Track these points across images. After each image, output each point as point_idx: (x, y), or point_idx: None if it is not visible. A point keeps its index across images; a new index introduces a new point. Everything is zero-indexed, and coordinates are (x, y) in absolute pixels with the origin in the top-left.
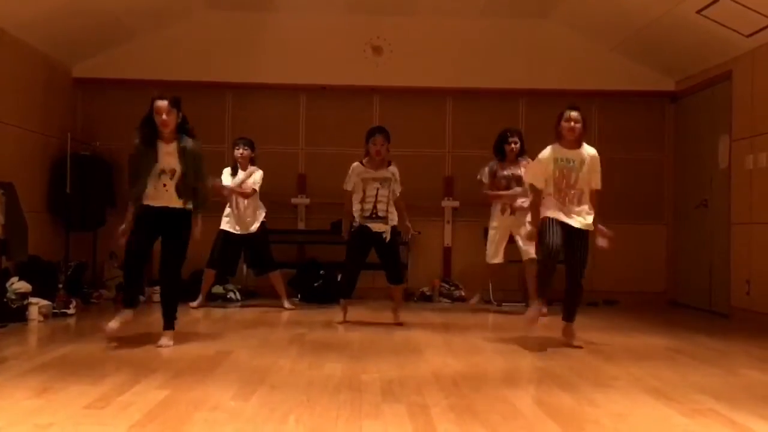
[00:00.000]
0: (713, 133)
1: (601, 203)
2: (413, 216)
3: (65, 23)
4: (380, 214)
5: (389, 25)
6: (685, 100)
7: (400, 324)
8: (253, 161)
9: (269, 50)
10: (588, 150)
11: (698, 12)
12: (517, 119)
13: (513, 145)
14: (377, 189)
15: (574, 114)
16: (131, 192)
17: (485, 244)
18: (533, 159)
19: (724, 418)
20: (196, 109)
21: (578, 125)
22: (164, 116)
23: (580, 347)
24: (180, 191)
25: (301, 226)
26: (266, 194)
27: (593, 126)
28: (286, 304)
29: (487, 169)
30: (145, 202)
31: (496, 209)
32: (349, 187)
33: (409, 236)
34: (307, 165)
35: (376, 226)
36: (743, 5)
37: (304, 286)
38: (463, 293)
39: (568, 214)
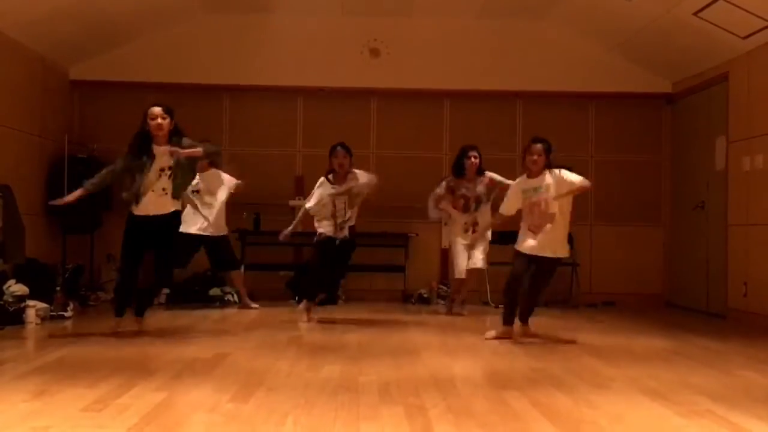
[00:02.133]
0: (710, 134)
1: (598, 205)
2: (411, 218)
3: (62, 25)
4: (348, 224)
5: (386, 27)
6: (682, 102)
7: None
8: (214, 164)
9: (266, 52)
10: (552, 173)
11: (695, 14)
12: (514, 121)
13: (473, 159)
14: (344, 203)
15: (536, 147)
16: (126, 192)
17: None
18: (505, 174)
19: (721, 418)
20: (193, 111)
21: (540, 158)
22: (159, 120)
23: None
24: (175, 189)
25: (299, 228)
26: (263, 196)
27: (590, 128)
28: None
29: (444, 183)
30: (137, 213)
31: (458, 227)
32: (312, 203)
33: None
34: (304, 167)
35: (341, 234)
36: (740, 7)
37: (300, 288)
38: None
39: (542, 247)
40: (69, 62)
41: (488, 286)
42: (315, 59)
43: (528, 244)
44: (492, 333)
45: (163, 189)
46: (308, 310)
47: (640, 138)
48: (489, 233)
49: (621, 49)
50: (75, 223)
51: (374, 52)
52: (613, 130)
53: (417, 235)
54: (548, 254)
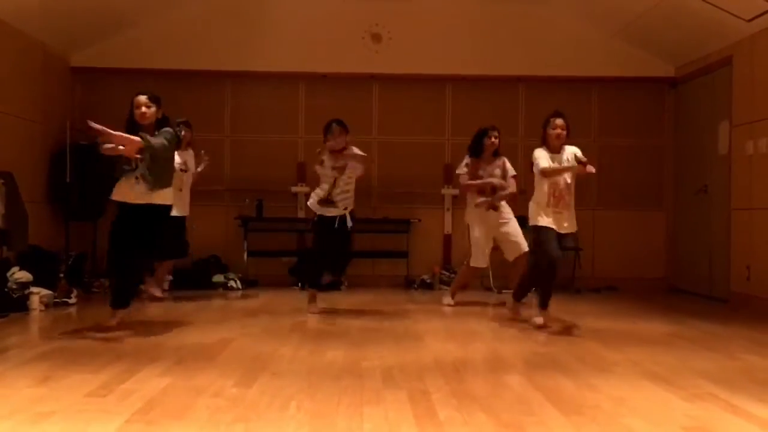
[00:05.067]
0: (713, 118)
1: (600, 189)
2: (413, 203)
3: (62, 12)
4: (343, 203)
5: (388, 11)
6: (685, 86)
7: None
8: (191, 144)
9: (268, 38)
10: (569, 150)
11: None
12: (516, 106)
13: (494, 139)
14: (335, 179)
15: (559, 121)
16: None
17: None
18: (507, 158)
19: (723, 401)
20: (195, 98)
21: (563, 132)
22: (143, 109)
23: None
24: (147, 177)
25: (301, 214)
26: (266, 182)
27: (593, 112)
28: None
29: (463, 164)
30: (119, 199)
31: (476, 211)
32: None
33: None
34: (306, 153)
35: (332, 212)
36: None
37: (304, 274)
38: None
39: (559, 221)
40: (70, 49)
41: (490, 272)
42: (316, 45)
43: (548, 220)
44: (540, 320)
45: (136, 178)
46: (313, 298)
47: (644, 122)
48: (510, 212)
49: (624, 33)
50: (78, 211)
51: (376, 38)
52: (616, 114)
53: (419, 220)
54: (568, 230)
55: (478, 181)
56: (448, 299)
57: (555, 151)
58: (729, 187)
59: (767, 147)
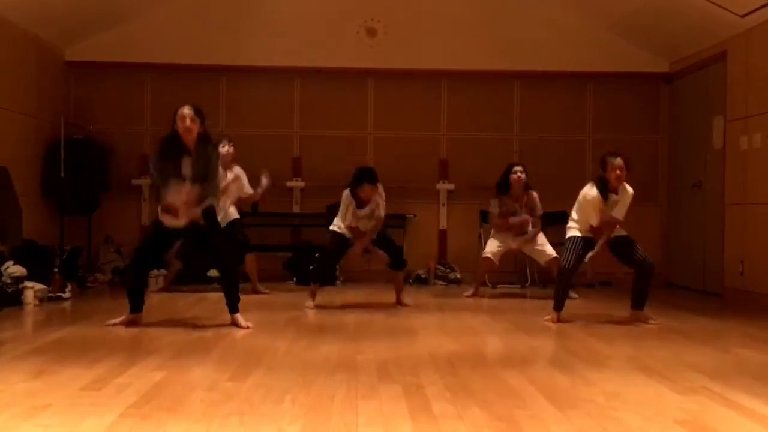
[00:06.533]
0: (708, 113)
1: None
2: (409, 198)
3: (57, 5)
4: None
5: (383, 6)
6: (680, 81)
7: (406, 305)
8: (234, 159)
9: (263, 33)
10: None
11: None
12: (511, 101)
13: (519, 175)
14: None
15: (618, 162)
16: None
17: (481, 227)
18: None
19: (716, 395)
20: (189, 92)
21: (622, 174)
22: (188, 122)
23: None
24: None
25: (296, 209)
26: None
27: (588, 108)
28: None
29: (494, 203)
30: (163, 219)
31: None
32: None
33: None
34: (301, 148)
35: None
36: None
37: (299, 268)
38: (458, 275)
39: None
40: (64, 43)
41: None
42: (311, 39)
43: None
44: (549, 318)
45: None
46: (313, 293)
47: (638, 118)
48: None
49: (619, 29)
50: (73, 205)
51: (371, 32)
52: (611, 109)
53: (415, 215)
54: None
55: (514, 221)
56: (469, 291)
57: (614, 191)
58: (723, 182)
59: (761, 142)
